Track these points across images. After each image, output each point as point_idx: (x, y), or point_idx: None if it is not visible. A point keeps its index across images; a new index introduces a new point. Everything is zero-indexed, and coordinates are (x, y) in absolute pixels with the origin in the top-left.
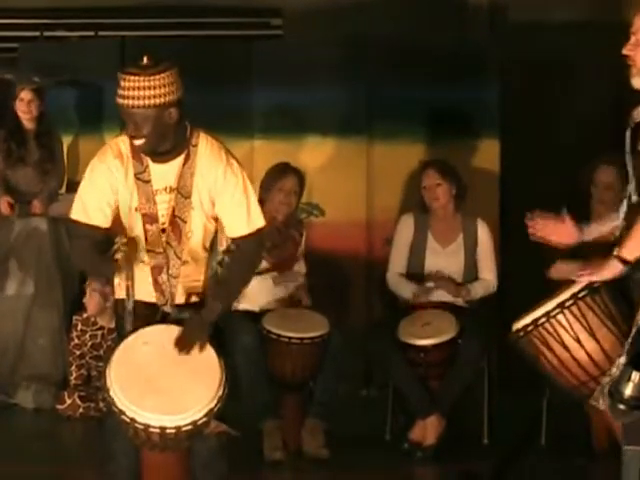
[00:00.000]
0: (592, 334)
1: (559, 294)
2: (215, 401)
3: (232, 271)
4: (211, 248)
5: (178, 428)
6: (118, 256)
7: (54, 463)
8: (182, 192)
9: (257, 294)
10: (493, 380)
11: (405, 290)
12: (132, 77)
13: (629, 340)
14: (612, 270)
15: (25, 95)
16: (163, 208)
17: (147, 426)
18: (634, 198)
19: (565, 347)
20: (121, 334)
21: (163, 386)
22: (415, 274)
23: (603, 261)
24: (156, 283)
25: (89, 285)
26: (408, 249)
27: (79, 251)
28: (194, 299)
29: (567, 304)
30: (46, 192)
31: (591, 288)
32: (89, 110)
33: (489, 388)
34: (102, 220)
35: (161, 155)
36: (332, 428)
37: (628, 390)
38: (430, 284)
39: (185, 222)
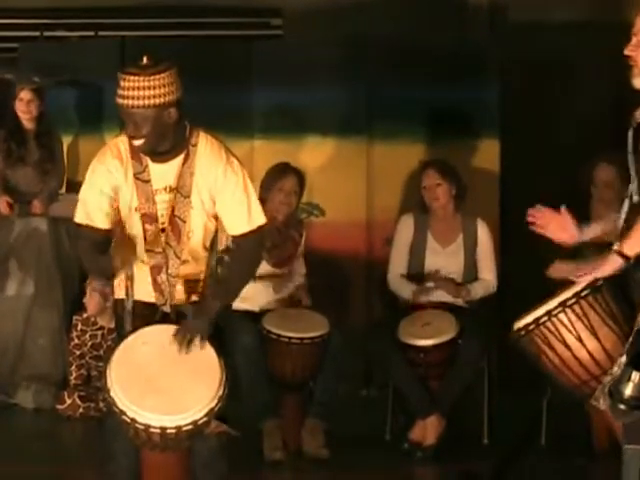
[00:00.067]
0: (594, 333)
1: (560, 293)
2: (215, 401)
3: (232, 269)
4: (211, 247)
5: (179, 428)
6: (117, 256)
7: (54, 463)
8: (182, 192)
9: (257, 294)
10: (493, 380)
11: (405, 290)
12: (132, 77)
13: (630, 340)
14: (612, 265)
15: (25, 95)
16: (163, 208)
17: (148, 426)
18: (635, 198)
19: (567, 346)
20: (121, 334)
21: (163, 386)
22: (415, 275)
23: (602, 257)
24: (155, 283)
25: (89, 285)
26: (408, 249)
27: (82, 252)
28: (194, 298)
29: (569, 303)
30: (46, 192)
31: (593, 287)
32: (89, 110)
33: (489, 388)
34: (104, 222)
35: (160, 155)
36: (332, 428)
37: (628, 390)
38: (430, 284)
39: (184, 222)
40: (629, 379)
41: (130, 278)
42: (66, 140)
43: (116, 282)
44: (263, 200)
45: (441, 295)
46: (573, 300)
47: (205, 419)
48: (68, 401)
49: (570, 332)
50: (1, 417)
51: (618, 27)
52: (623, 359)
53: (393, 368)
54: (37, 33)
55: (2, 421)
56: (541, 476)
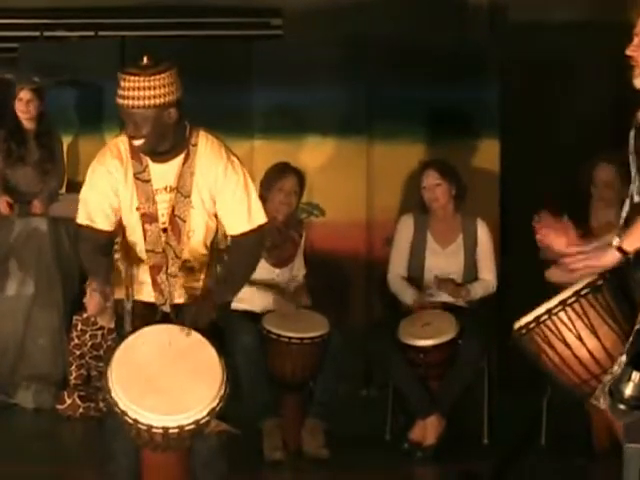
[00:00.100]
0: (594, 332)
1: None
2: (217, 400)
3: (232, 268)
4: (212, 247)
5: (181, 428)
6: (116, 256)
7: (54, 463)
8: (182, 191)
9: (257, 294)
10: (493, 380)
11: (406, 296)
12: (132, 77)
13: (630, 340)
14: (610, 258)
15: (24, 95)
16: (163, 208)
17: (150, 427)
18: (636, 198)
19: (567, 345)
20: (121, 334)
21: (164, 386)
22: (415, 277)
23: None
24: (155, 283)
25: (89, 285)
26: (408, 249)
27: (83, 254)
28: (194, 298)
29: (569, 301)
30: (46, 192)
31: (593, 286)
32: (89, 110)
33: (489, 388)
34: (106, 223)
35: (161, 155)
36: (332, 428)
37: (628, 390)
38: (431, 291)
39: (185, 221)
40: (629, 379)
41: (130, 278)
42: (66, 140)
43: (116, 282)
44: (263, 200)
45: (441, 295)
46: (573, 299)
47: (207, 418)
48: (68, 401)
49: (570, 331)
50: (1, 417)
51: (618, 27)
52: (623, 358)
53: (393, 368)
54: (37, 33)
55: (2, 421)
56: (541, 476)
